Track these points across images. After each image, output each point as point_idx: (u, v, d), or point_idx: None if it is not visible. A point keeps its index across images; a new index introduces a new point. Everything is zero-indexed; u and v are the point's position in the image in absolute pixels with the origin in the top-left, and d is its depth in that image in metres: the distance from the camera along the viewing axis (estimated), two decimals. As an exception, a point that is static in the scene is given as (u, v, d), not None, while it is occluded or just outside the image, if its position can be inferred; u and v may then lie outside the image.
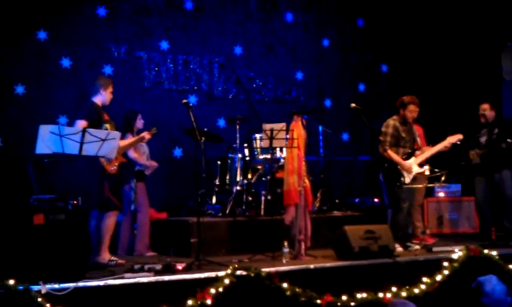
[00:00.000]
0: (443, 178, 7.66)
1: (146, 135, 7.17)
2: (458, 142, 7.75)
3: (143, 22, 9.51)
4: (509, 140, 7.93)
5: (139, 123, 7.76)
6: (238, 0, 10.28)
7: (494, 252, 6.72)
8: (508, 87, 9.98)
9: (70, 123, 8.28)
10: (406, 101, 7.55)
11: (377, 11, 11.25)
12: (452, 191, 9.61)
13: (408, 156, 7.53)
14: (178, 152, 9.63)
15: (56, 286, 4.97)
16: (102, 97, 6.67)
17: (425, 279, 6.24)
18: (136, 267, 5.90)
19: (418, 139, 7.91)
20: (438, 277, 6.29)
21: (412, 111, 7.55)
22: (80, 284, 5.10)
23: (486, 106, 8.27)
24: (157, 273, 5.66)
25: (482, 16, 10.34)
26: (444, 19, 10.88)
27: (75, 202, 5.73)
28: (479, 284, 4.00)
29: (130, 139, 7.31)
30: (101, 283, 5.23)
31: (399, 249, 7.24)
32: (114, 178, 6.56)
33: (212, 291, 5.29)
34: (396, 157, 7.45)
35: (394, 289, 6.06)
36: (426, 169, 7.58)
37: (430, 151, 7.65)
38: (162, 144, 9.32)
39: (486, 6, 10.29)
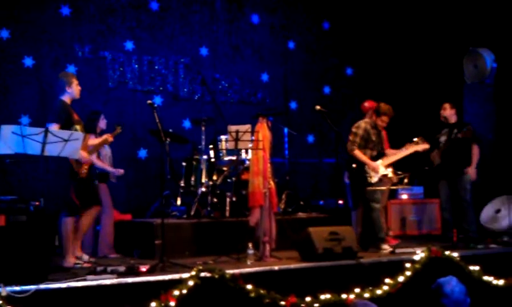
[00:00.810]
0: (405, 181, 7.76)
1: (109, 137, 7.11)
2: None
3: (108, 22, 9.41)
4: (464, 129, 8.10)
5: (102, 123, 7.68)
6: (204, 1, 10.26)
7: (455, 254, 6.83)
8: (470, 90, 10.15)
9: (33, 124, 8.20)
10: (382, 110, 7.64)
11: (342, 15, 11.34)
12: (415, 193, 9.73)
13: (376, 158, 7.63)
14: (143, 153, 9.56)
15: (17, 288, 4.89)
16: (70, 94, 6.56)
17: (387, 280, 6.31)
18: (99, 269, 5.83)
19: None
20: (401, 278, 6.36)
21: (384, 121, 7.69)
22: (42, 286, 5.03)
23: (445, 105, 8.46)
24: (120, 275, 5.61)
25: (446, 22, 10.50)
26: (408, 24, 11.02)
27: (37, 203, 5.65)
28: (438, 285, 4.05)
29: (94, 140, 7.24)
30: (63, 285, 5.16)
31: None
32: (82, 181, 6.50)
33: (176, 293, 5.26)
34: (363, 157, 7.55)
35: (357, 290, 6.11)
36: (389, 172, 7.69)
37: (398, 155, 7.77)
38: (127, 145, 9.25)
39: (449, 11, 10.46)
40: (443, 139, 8.38)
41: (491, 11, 9.88)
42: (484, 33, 9.98)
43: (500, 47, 9.82)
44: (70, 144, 5.71)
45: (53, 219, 6.46)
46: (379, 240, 7.52)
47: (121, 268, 5.81)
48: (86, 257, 6.66)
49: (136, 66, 9.55)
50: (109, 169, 7.65)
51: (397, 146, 8.03)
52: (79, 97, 6.70)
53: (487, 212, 8.85)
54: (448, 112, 8.43)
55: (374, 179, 7.57)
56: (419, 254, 6.65)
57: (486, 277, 6.82)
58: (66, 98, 6.54)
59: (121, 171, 7.81)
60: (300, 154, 10.60)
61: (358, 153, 7.57)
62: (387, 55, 11.19)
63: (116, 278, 5.46)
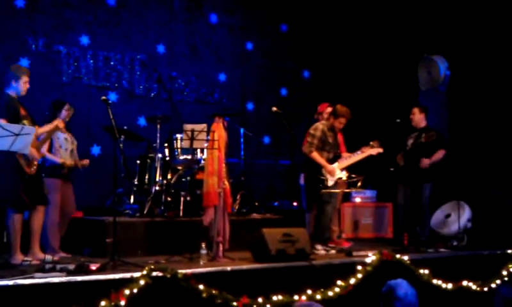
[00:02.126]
0: (359, 184, 7.83)
1: (59, 123, 6.74)
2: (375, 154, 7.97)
3: (63, 16, 9.26)
4: (428, 133, 8.17)
5: (64, 113, 7.22)
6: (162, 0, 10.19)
7: (405, 257, 6.93)
8: (424, 96, 10.32)
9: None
10: (339, 112, 7.68)
11: (300, 18, 11.40)
12: (368, 196, 9.84)
13: (332, 160, 7.67)
14: (96, 150, 9.42)
15: (-39, 285, 4.77)
16: (15, 89, 6.38)
17: (339, 282, 6.36)
18: (48, 266, 5.71)
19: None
20: (352, 281, 6.42)
21: (342, 123, 7.73)
22: (-12, 283, 4.91)
23: (414, 110, 8.60)
24: (70, 273, 5.50)
25: (402, 28, 10.66)
26: (365, 29, 11.15)
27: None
28: (390, 288, 4.07)
29: (44, 127, 6.74)
30: (10, 282, 5.03)
31: (321, 251, 7.37)
32: (31, 177, 6.33)
33: (127, 292, 5.19)
34: (321, 159, 7.58)
35: (309, 291, 6.14)
36: (344, 175, 7.75)
37: (353, 158, 7.84)
38: (80, 141, 9.03)
39: (405, 18, 10.62)
40: (410, 142, 8.50)
41: (445, 20, 10.06)
42: (439, 41, 10.16)
43: (453, 55, 10.01)
44: (21, 138, 5.58)
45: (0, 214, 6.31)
46: (316, 240, 7.51)
47: (71, 266, 5.70)
48: (49, 257, 6.47)
49: (91, 61, 9.42)
50: (59, 160, 7.11)
51: (352, 149, 8.09)
52: (25, 94, 6.50)
53: (437, 217, 8.99)
54: (417, 117, 8.55)
55: (330, 182, 7.61)
56: (370, 257, 6.72)
57: (435, 281, 6.94)
58: (11, 93, 6.36)
59: (86, 162, 7.42)
60: (256, 155, 10.61)
61: (316, 155, 7.60)
62: (344, 60, 11.30)
63: (66, 276, 5.35)
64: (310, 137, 7.71)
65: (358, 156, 7.88)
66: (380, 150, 7.96)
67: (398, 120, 8.52)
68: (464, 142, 9.77)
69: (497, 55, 9.50)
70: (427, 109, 8.75)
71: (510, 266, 7.55)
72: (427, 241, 8.26)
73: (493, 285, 7.31)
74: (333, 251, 7.66)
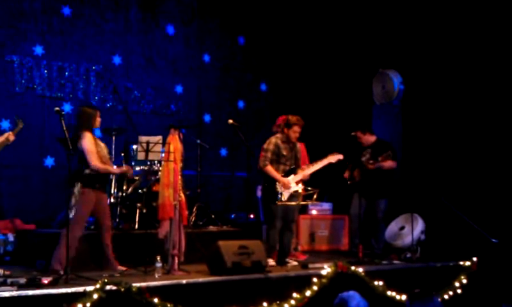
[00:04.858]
0: (315, 196, 7.85)
1: (9, 136, 6.52)
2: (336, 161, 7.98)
3: (17, 25, 9.08)
4: (384, 154, 8.28)
5: (98, 120, 6.96)
6: (118, 10, 10.09)
7: (360, 269, 7.00)
8: (378, 110, 10.48)
9: None
10: (291, 121, 7.67)
11: (258, 30, 11.45)
12: (324, 209, 9.90)
13: (287, 173, 7.66)
14: (50, 161, 9.24)
15: None
16: None
17: (295, 295, 6.38)
18: (-2, 280, 5.60)
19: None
20: (308, 293, 6.45)
21: (296, 132, 7.69)
22: None
23: (358, 134, 8.64)
24: (21, 287, 5.38)
25: (357, 44, 10.81)
26: (322, 44, 11.27)
27: None
28: (343, 300, 4.11)
29: None
30: (-43, 297, 4.92)
31: (271, 263, 7.36)
32: None
33: (80, 306, 5.12)
34: (274, 173, 7.53)
35: (265, 304, 6.14)
36: (300, 187, 7.76)
37: (309, 169, 7.84)
38: (33, 152, 8.94)
39: (360, 34, 10.78)
40: (364, 159, 8.54)
41: (400, 35, 10.24)
42: (393, 55, 10.33)
43: (407, 69, 10.19)
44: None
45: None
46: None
47: (22, 280, 5.58)
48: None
49: (45, 71, 9.26)
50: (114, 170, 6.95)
51: (313, 161, 8.10)
52: None
53: (391, 229, 9.09)
54: (363, 138, 8.63)
55: (285, 196, 7.57)
56: (326, 269, 6.77)
57: (389, 293, 7.02)
58: None
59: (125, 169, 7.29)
60: (213, 167, 10.58)
61: (269, 169, 7.54)
62: (301, 73, 11.38)
63: (16, 290, 5.24)
64: (263, 151, 7.65)
65: (317, 165, 7.87)
66: (340, 157, 7.96)
67: (353, 133, 8.63)
68: (417, 155, 9.93)
69: (450, 70, 9.70)
70: (369, 126, 8.85)
71: (462, 277, 7.71)
72: (382, 253, 8.36)
73: (446, 296, 7.45)
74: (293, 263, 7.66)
